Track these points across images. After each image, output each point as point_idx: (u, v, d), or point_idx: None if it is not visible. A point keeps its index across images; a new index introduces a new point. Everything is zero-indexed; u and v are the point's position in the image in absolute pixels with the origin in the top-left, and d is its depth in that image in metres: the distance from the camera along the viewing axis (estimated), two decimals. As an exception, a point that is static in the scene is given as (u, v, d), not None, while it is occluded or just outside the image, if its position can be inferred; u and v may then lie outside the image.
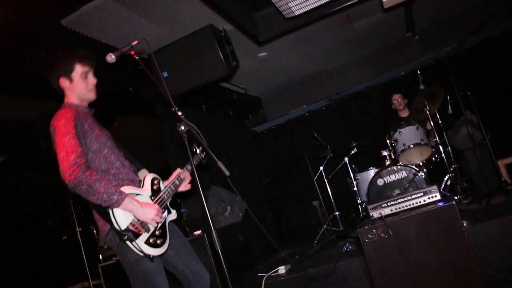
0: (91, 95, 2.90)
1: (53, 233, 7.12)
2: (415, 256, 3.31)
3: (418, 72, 5.74)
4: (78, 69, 2.82)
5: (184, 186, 3.17)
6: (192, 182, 3.03)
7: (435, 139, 5.85)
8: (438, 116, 5.89)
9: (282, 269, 4.92)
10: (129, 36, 4.38)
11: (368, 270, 3.78)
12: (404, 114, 6.62)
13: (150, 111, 6.04)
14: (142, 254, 2.57)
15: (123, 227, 2.52)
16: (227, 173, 2.71)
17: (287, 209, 8.00)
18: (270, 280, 4.82)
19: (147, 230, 2.64)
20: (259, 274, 5.02)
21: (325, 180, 6.61)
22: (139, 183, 2.85)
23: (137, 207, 2.57)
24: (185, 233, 5.15)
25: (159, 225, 2.74)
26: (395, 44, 7.53)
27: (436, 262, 3.25)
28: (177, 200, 6.11)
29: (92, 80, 2.88)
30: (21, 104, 4.93)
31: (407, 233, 3.37)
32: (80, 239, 5.37)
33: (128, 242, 2.52)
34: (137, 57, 2.83)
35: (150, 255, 2.59)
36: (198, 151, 3.35)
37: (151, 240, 2.64)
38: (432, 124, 5.64)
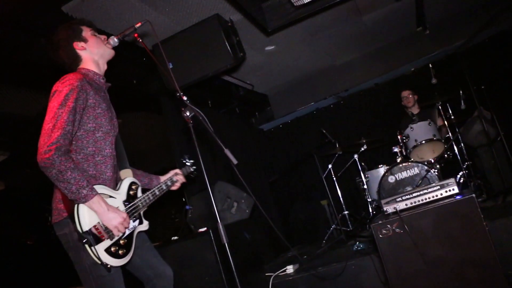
0: (110, 50, 2.74)
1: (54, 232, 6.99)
2: (433, 252, 3.14)
3: (430, 65, 5.59)
4: (86, 29, 2.69)
5: (174, 186, 3.09)
6: (200, 176, 2.84)
7: (447, 135, 5.69)
8: (450, 112, 5.72)
9: (290, 269, 4.78)
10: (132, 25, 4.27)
11: (381, 268, 3.62)
12: (415, 110, 6.45)
13: (154, 106, 5.89)
14: (99, 262, 2.32)
15: (85, 228, 2.28)
16: (235, 162, 2.55)
17: (294, 209, 7.84)
18: (278, 279, 4.69)
19: (111, 237, 2.40)
20: (266, 274, 4.88)
21: (334, 178, 6.44)
22: (115, 184, 2.63)
23: (103, 209, 2.32)
24: (189, 231, 5.01)
25: (125, 234, 2.51)
26: (405, 39, 7.38)
27: (455, 258, 3.08)
28: (183, 198, 5.97)
29: (103, 35, 2.75)
30: (22, 97, 4.79)
31: (423, 228, 3.20)
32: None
33: (86, 246, 2.28)
34: (140, 40, 2.68)
35: (107, 265, 2.34)
36: (188, 163, 3.29)
37: (112, 249, 2.40)
38: (445, 120, 5.49)
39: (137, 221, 2.67)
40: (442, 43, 7.17)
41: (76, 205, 2.29)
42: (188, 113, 2.51)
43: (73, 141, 2.42)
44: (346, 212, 6.40)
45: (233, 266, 2.38)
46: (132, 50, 4.74)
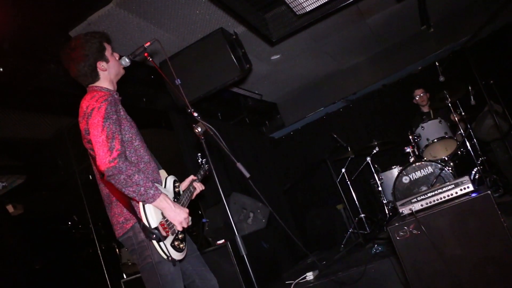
0: (122, 71, 2.81)
1: (73, 252, 7.04)
2: (451, 251, 3.12)
3: (437, 63, 5.57)
4: (108, 48, 2.74)
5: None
6: (214, 189, 2.88)
7: (459, 132, 5.66)
8: (460, 108, 5.70)
9: (310, 275, 4.77)
10: (138, 44, 4.33)
11: (401, 270, 3.60)
12: (426, 109, 6.43)
13: (165, 122, 5.94)
14: (166, 257, 2.41)
15: (154, 225, 2.38)
16: (247, 175, 2.57)
17: (310, 214, 7.82)
18: (299, 287, 4.67)
19: (173, 232, 2.50)
20: (286, 282, 4.87)
21: (348, 182, 6.42)
22: (161, 184, 2.72)
23: (170, 206, 2.43)
24: (207, 243, 5.04)
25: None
26: (409, 38, 7.38)
27: (475, 257, 3.05)
28: (199, 211, 6.00)
29: (116, 54, 2.79)
30: (34, 122, 4.88)
31: (440, 228, 3.17)
32: (101, 256, 5.25)
33: (155, 242, 2.37)
34: (150, 59, 2.74)
35: (174, 259, 2.45)
36: (202, 164, 3.21)
37: (175, 243, 2.50)
38: (456, 116, 5.46)
39: None
40: (447, 40, 7.16)
41: (142, 206, 2.38)
42: (199, 129, 2.55)
43: None
44: (362, 215, 6.39)
45: (253, 277, 2.39)
46: (139, 69, 4.81)
